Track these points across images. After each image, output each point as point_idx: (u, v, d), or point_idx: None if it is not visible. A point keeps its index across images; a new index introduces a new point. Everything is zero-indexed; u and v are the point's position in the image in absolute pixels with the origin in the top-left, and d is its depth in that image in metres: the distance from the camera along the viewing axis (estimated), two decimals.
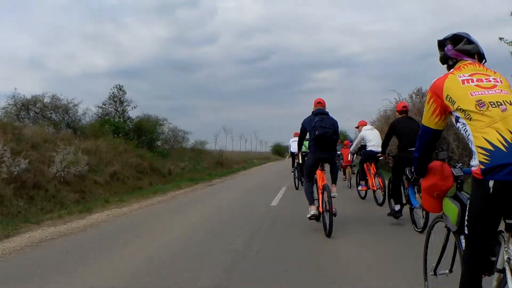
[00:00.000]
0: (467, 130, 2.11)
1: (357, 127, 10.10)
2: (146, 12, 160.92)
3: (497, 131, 1.96)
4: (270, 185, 13.98)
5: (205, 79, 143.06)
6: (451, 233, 2.58)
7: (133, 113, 30.04)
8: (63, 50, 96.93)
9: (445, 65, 2.57)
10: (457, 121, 2.21)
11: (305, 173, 6.52)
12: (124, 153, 21.32)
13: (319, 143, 6.02)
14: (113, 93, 28.45)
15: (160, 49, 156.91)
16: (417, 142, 2.57)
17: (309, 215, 6.03)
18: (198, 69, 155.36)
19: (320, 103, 6.54)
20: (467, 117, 2.11)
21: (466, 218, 2.14)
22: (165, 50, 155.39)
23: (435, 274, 2.83)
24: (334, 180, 6.50)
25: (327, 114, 6.30)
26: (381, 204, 8.10)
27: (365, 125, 9.64)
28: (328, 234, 5.58)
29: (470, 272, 2.13)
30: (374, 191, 8.72)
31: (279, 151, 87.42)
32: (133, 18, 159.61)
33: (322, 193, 6.02)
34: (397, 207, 6.40)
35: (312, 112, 6.42)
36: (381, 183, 8.32)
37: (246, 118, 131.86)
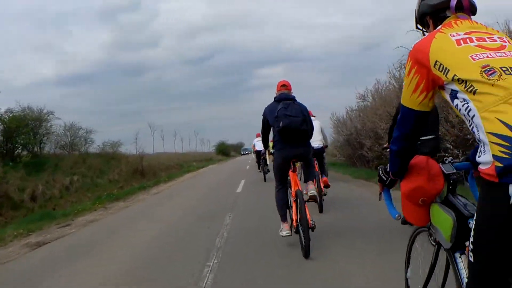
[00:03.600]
0: (470, 109, 1.44)
1: None
2: (89, 18, 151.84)
3: None
4: (177, 251, 5.16)
5: (153, 82, 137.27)
6: (442, 249, 1.92)
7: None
8: (10, 61, 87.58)
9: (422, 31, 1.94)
10: (453, 97, 1.52)
11: (275, 177, 4.99)
12: None
13: (285, 137, 4.69)
14: None
15: (106, 55, 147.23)
16: (395, 131, 1.82)
17: (282, 234, 4.70)
18: (145, 72, 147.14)
19: (285, 86, 5.10)
20: (469, 89, 1.44)
21: (471, 240, 1.47)
22: (111, 55, 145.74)
23: None
24: (311, 175, 5.10)
25: (293, 99, 4.91)
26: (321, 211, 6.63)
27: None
28: (305, 254, 4.26)
29: None
30: None
31: (224, 150, 78.66)
32: (76, 25, 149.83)
33: (296, 201, 4.66)
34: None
35: (275, 98, 5.03)
36: (322, 185, 6.84)
37: (194, 119, 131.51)
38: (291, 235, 4.67)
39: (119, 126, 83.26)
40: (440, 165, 1.86)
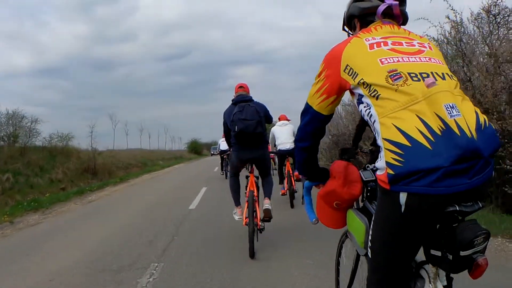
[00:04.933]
0: (371, 115, 1.45)
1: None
2: (66, 9, 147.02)
3: (417, 116, 1.31)
4: None
5: (125, 78, 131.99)
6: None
7: None
8: None
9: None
10: (359, 102, 1.54)
11: (230, 171, 5.37)
12: None
13: (241, 140, 4.79)
14: None
15: (80, 47, 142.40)
16: (299, 126, 1.83)
17: (236, 218, 5.02)
18: (118, 67, 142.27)
19: (242, 87, 5.15)
20: (372, 94, 1.44)
21: (369, 238, 1.55)
22: (85, 48, 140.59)
23: None
24: (266, 192, 5.06)
25: (249, 100, 4.92)
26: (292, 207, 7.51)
27: (282, 120, 8.46)
28: (251, 254, 4.30)
29: None
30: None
31: (196, 148, 75.44)
32: (52, 16, 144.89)
33: (248, 201, 4.66)
34: None
35: (232, 100, 5.03)
36: (293, 185, 7.66)
37: (167, 117, 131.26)
38: (242, 219, 4.78)
39: (86, 121, 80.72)
40: (360, 171, 1.84)
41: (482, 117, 1.36)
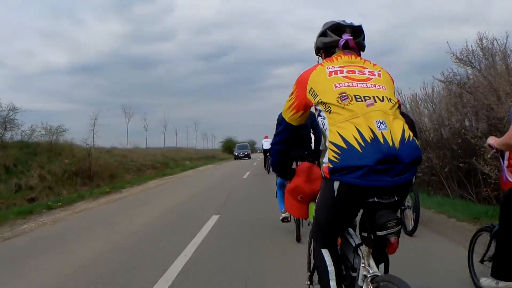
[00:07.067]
0: (325, 124, 1.90)
1: None
2: (102, 8, 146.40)
3: (355, 127, 1.74)
4: None
5: (163, 76, 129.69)
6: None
7: None
8: (19, 47, 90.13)
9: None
10: (318, 115, 1.98)
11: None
12: None
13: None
14: None
15: (117, 46, 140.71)
16: (275, 133, 2.39)
17: (281, 217, 5.52)
18: (156, 65, 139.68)
19: None
20: (327, 109, 1.87)
21: (315, 210, 2.05)
22: (122, 47, 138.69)
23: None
24: None
25: None
26: None
27: None
28: (297, 237, 5.04)
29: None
30: None
31: (231, 147, 70.19)
32: (89, 14, 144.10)
33: None
34: None
35: None
36: None
37: (205, 115, 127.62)
38: (288, 217, 5.30)
39: (121, 118, 79.23)
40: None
41: (407, 133, 1.75)
